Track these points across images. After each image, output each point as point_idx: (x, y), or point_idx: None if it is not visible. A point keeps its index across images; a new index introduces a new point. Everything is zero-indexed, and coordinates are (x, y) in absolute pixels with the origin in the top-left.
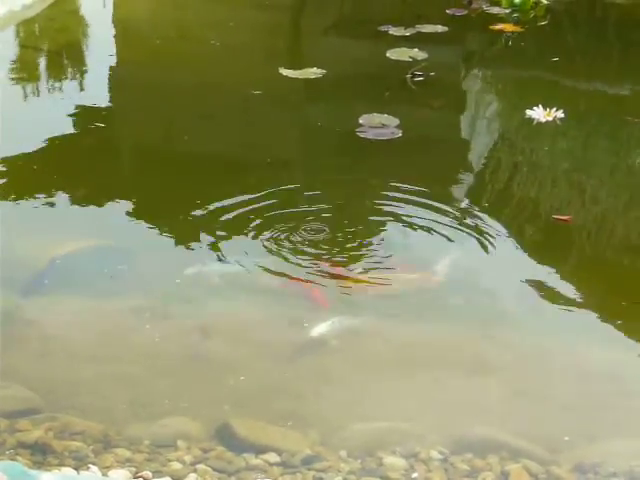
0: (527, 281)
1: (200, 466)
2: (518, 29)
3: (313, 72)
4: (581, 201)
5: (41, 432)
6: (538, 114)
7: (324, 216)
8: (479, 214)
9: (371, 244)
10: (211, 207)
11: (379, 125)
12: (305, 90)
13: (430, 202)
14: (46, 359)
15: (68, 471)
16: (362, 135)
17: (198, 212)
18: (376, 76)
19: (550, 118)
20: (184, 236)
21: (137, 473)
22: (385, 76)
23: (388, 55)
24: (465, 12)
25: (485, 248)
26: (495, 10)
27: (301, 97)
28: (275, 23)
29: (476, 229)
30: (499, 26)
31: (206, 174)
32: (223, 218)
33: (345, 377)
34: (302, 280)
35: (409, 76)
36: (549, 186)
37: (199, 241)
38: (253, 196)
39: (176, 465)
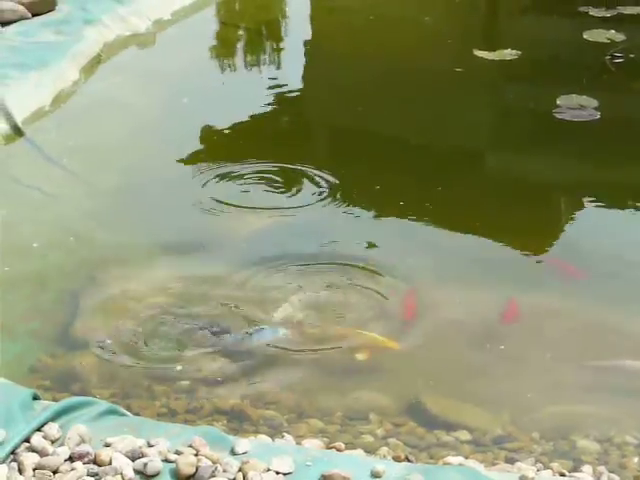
0: None
1: (392, 440)
2: None
3: (509, 53)
4: None
5: (237, 399)
6: None
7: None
8: None
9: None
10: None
11: (577, 106)
12: (501, 71)
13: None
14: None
15: (263, 438)
16: (559, 116)
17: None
18: (573, 58)
19: None
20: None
21: (330, 444)
22: (583, 57)
23: (585, 37)
24: None
25: None
26: None
27: (497, 78)
28: (472, 2)
29: None
30: None
31: (396, 156)
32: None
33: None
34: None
35: (608, 58)
36: None
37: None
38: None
39: (368, 438)
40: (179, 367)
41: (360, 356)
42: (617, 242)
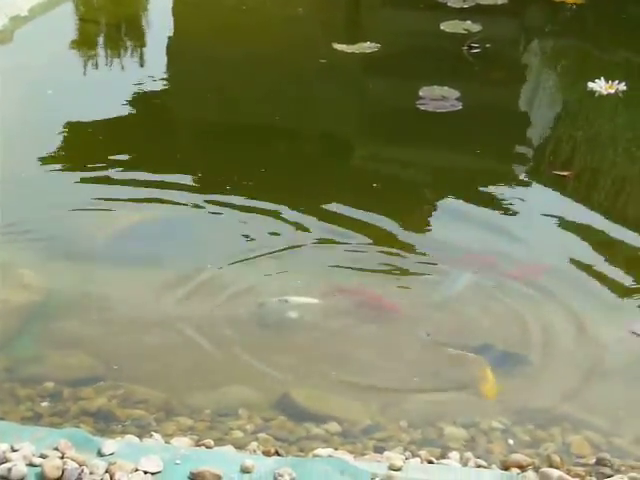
0: (584, 255)
1: (261, 435)
2: (580, 1)
3: (368, 46)
4: None
5: (104, 400)
6: (600, 86)
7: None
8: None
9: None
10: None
11: (439, 97)
12: (362, 64)
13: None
14: (109, 327)
15: (131, 438)
16: (423, 108)
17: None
18: (432, 49)
19: (612, 91)
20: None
21: (199, 441)
22: (441, 49)
23: (442, 28)
24: None
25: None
26: None
27: (358, 71)
28: None
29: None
30: None
31: (261, 147)
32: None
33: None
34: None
35: (465, 48)
36: (610, 159)
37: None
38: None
39: (238, 433)
40: None
41: None
42: (477, 231)
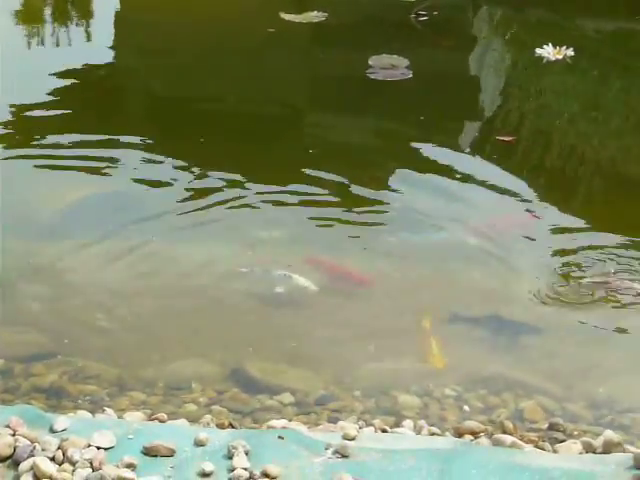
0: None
1: (215, 407)
2: None
3: (315, 15)
4: (594, 138)
5: (56, 376)
6: (548, 52)
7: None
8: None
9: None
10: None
11: (389, 66)
12: (311, 34)
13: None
14: (60, 303)
15: (83, 414)
16: (373, 77)
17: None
18: (379, 17)
19: (560, 56)
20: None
21: (152, 415)
22: (388, 17)
23: None
24: None
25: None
26: None
27: (308, 41)
28: None
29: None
30: None
31: (215, 119)
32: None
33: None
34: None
35: (413, 16)
36: (558, 124)
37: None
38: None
39: (191, 407)
40: None
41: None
42: (424, 194)
